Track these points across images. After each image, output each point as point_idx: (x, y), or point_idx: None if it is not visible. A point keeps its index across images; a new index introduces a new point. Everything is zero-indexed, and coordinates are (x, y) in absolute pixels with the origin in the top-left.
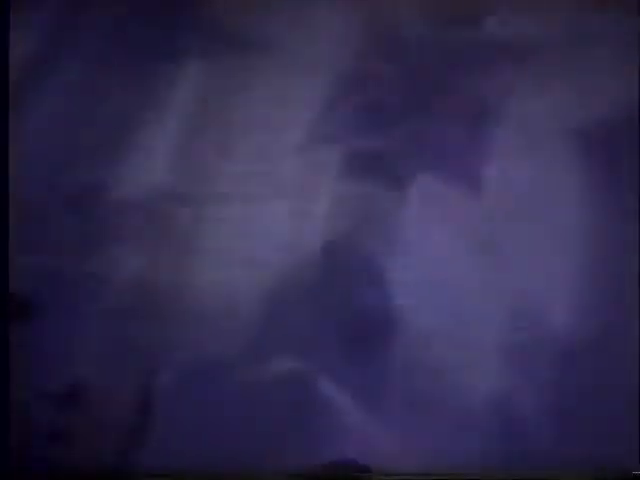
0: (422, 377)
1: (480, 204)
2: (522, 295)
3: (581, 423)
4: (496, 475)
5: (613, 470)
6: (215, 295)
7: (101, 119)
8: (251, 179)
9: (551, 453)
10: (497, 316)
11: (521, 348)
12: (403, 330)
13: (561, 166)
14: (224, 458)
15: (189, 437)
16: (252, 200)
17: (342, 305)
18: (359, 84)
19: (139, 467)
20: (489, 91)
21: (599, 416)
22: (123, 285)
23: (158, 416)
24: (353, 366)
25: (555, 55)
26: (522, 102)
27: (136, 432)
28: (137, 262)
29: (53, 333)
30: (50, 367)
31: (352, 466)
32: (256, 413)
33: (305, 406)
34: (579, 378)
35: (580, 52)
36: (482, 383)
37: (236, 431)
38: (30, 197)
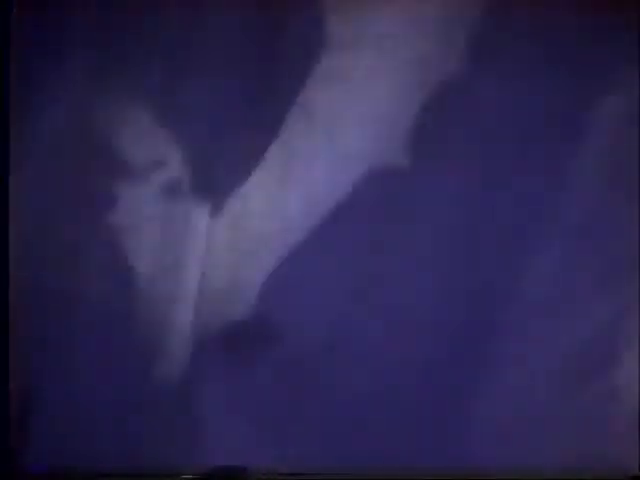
0: (299, 381)
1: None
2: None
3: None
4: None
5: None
6: (95, 299)
7: None
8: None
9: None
10: (368, 319)
11: (393, 348)
12: (279, 335)
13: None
14: (101, 460)
15: (67, 438)
16: (133, 205)
17: (220, 311)
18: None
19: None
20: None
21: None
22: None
23: (37, 417)
24: (231, 370)
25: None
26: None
27: (16, 432)
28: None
29: None
30: None
31: (229, 468)
32: (133, 418)
33: (183, 410)
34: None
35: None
36: (362, 384)
37: (111, 433)
38: None
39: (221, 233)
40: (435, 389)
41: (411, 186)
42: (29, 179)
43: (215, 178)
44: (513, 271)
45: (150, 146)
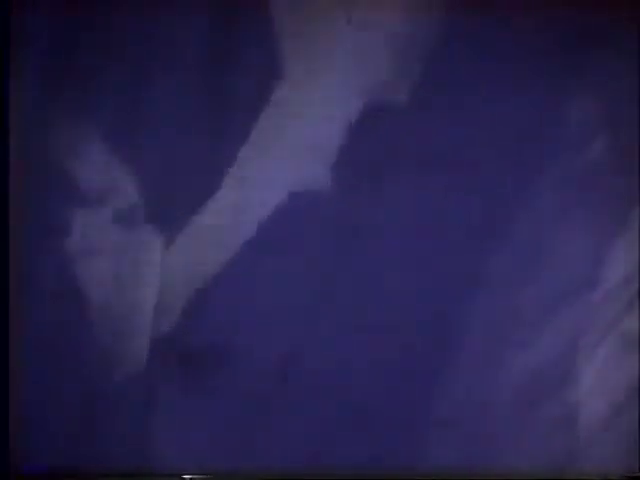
0: (256, 401)
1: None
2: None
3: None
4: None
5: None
6: (57, 324)
7: None
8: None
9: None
10: (323, 341)
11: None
12: (235, 358)
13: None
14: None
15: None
16: (87, 228)
17: (176, 335)
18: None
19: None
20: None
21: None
22: None
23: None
24: (186, 391)
25: None
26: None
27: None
28: None
29: None
30: None
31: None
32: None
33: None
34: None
35: None
36: (319, 405)
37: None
38: None
39: (175, 260)
40: (400, 406)
41: (360, 212)
42: None
43: (169, 207)
44: (468, 288)
45: (105, 175)
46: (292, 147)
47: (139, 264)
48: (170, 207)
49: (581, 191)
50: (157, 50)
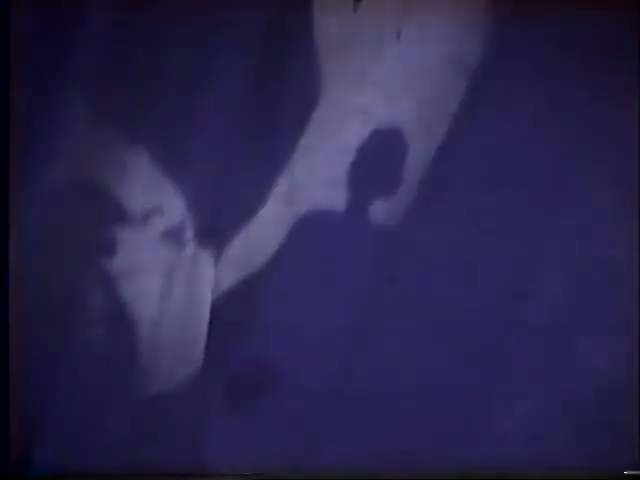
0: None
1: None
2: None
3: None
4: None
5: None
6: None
7: None
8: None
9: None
10: (368, 366)
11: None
12: (284, 380)
13: None
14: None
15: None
16: (134, 252)
17: (225, 355)
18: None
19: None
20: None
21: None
22: None
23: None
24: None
25: None
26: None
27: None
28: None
29: None
30: None
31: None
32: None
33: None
34: None
35: None
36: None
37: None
38: None
39: (224, 277)
40: (437, 438)
41: (409, 242)
42: (31, 224)
43: (217, 223)
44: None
45: (152, 193)
46: (337, 165)
47: (189, 281)
48: (219, 224)
49: None
50: (199, 77)
